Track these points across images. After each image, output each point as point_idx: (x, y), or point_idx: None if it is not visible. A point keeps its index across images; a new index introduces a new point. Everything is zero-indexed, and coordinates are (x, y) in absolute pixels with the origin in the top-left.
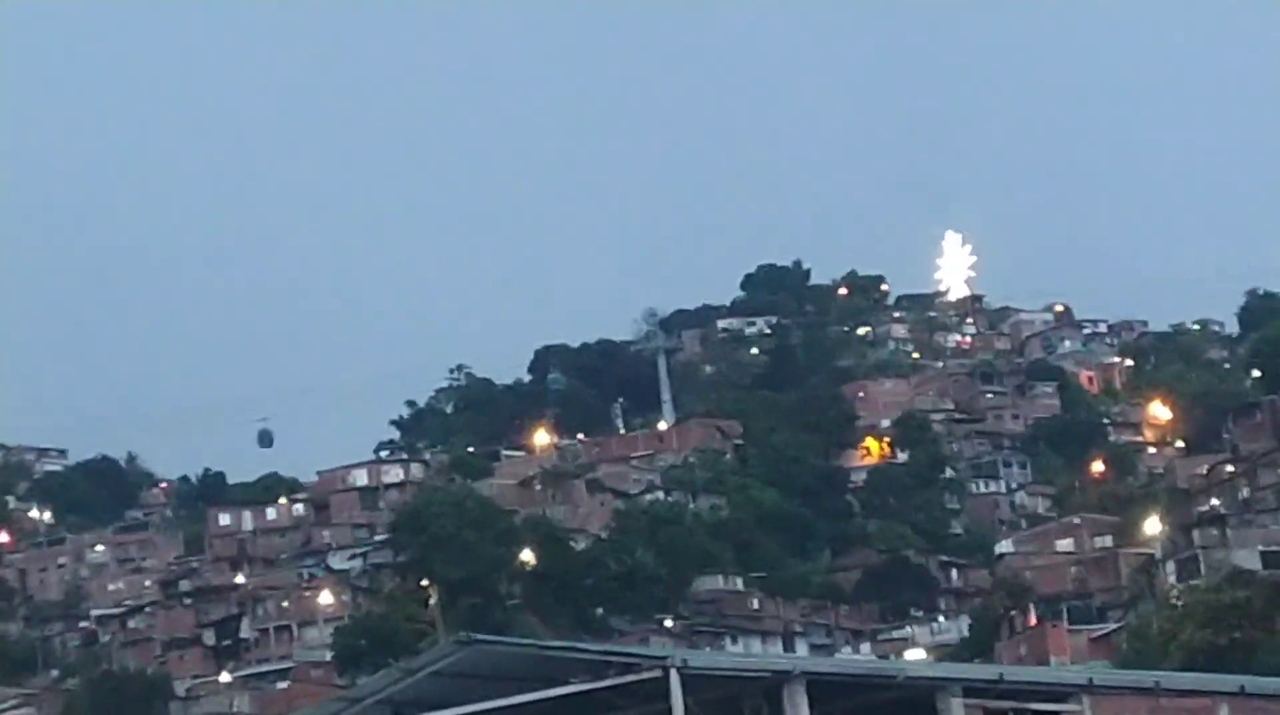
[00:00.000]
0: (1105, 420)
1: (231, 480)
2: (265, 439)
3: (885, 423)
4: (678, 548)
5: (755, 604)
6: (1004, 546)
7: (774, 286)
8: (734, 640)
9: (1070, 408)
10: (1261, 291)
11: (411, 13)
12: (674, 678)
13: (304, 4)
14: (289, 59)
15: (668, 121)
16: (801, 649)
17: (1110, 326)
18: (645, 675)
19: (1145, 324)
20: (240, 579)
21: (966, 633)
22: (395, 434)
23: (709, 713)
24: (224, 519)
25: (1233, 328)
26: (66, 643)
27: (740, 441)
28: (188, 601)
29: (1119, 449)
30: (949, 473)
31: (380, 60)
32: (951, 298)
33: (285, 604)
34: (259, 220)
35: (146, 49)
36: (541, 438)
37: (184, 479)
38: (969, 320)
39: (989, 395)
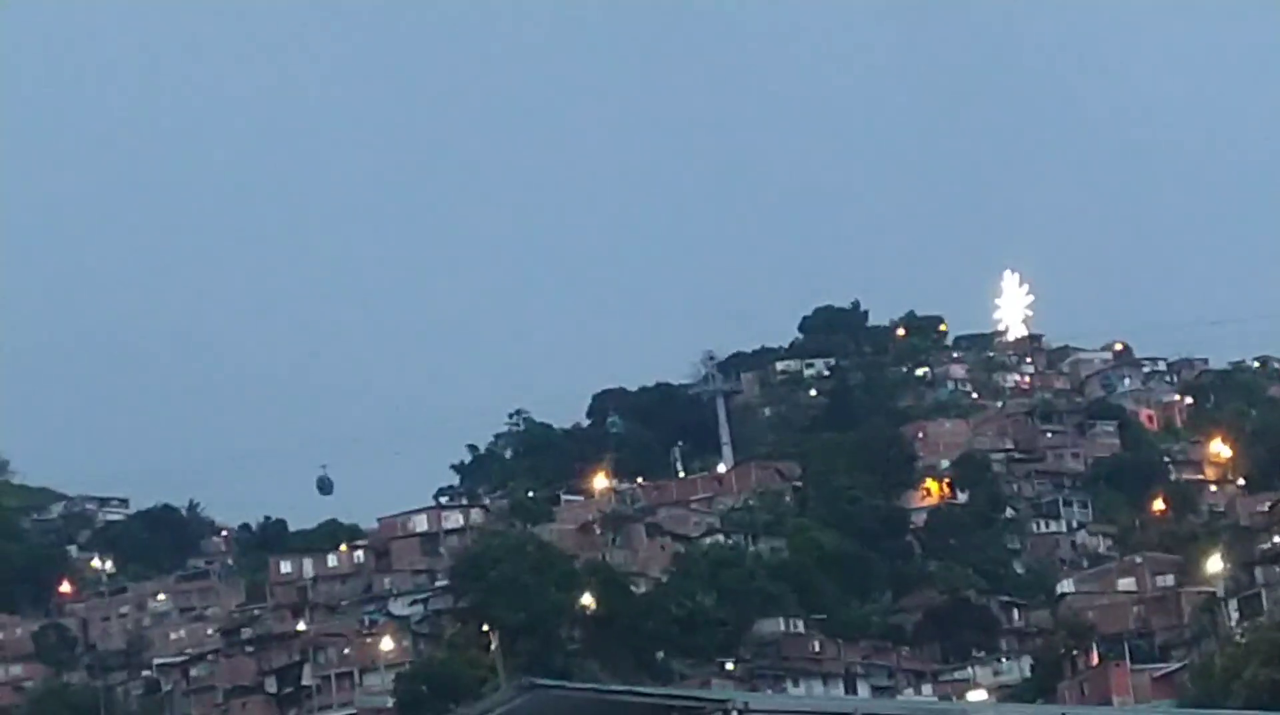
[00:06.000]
0: (1166, 459)
1: (292, 527)
2: (325, 486)
3: (945, 463)
4: (738, 590)
5: (816, 646)
6: (1065, 586)
7: (832, 328)
8: (795, 683)
9: (1131, 446)
10: None
11: (473, 47)
12: None
13: (365, 40)
14: (344, 92)
15: (725, 164)
16: (863, 691)
17: (1170, 365)
18: None
19: (1205, 362)
20: (302, 626)
21: (1028, 673)
22: (455, 480)
23: None
24: (285, 566)
25: None
26: (129, 691)
27: (800, 483)
28: (249, 649)
29: (1180, 487)
30: (1009, 513)
31: (433, 98)
32: (1010, 337)
33: (347, 651)
34: (320, 266)
35: (212, 82)
36: (601, 482)
37: (245, 527)
38: (1028, 360)
39: (1049, 435)
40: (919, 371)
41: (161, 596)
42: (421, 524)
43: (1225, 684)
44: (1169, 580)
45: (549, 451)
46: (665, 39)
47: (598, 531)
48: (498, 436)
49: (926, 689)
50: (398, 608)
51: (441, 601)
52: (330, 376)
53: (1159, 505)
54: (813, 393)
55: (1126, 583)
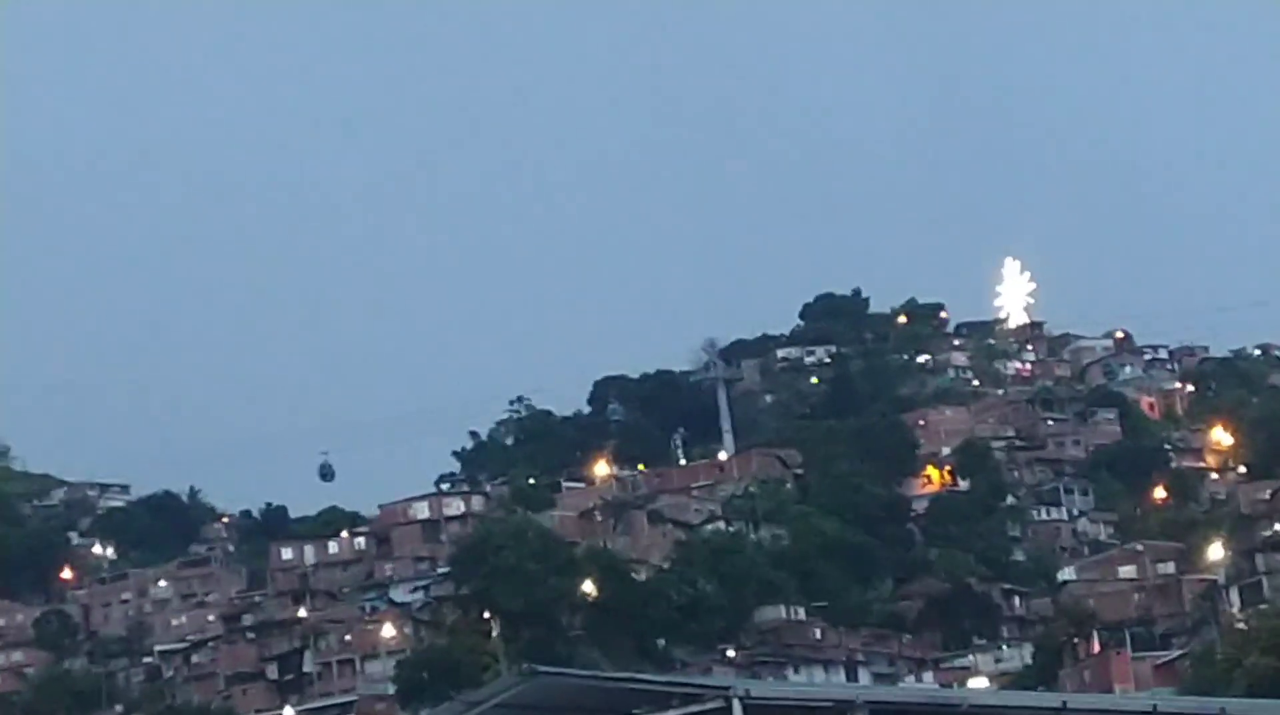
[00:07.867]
0: (1167, 446)
1: (293, 514)
2: (326, 472)
3: (946, 451)
4: (739, 578)
5: (817, 633)
6: (1066, 574)
7: (833, 315)
8: (796, 670)
9: (1131, 434)
10: None
11: (473, 39)
12: (737, 708)
13: (369, 32)
14: (346, 82)
15: (726, 151)
16: (864, 678)
17: (1171, 352)
18: (708, 706)
19: (1206, 349)
20: (302, 613)
21: (1030, 661)
22: (456, 466)
23: None
24: (286, 553)
25: None
26: (130, 678)
27: (801, 471)
28: (250, 636)
29: (1181, 475)
30: (1010, 500)
31: (434, 86)
32: (1011, 325)
33: (347, 637)
34: (319, 255)
35: (227, 65)
36: (602, 469)
37: (246, 513)
38: (1029, 347)
39: (1050, 422)
40: (920, 359)
41: (162, 583)
42: (423, 511)
43: (1227, 672)
44: (1170, 568)
45: (550, 438)
46: (663, 23)
47: (599, 518)
48: (499, 423)
49: (928, 676)
50: (399, 594)
51: (442, 588)
52: (332, 363)
53: (1160, 493)
54: (814, 380)
55: (1127, 570)
